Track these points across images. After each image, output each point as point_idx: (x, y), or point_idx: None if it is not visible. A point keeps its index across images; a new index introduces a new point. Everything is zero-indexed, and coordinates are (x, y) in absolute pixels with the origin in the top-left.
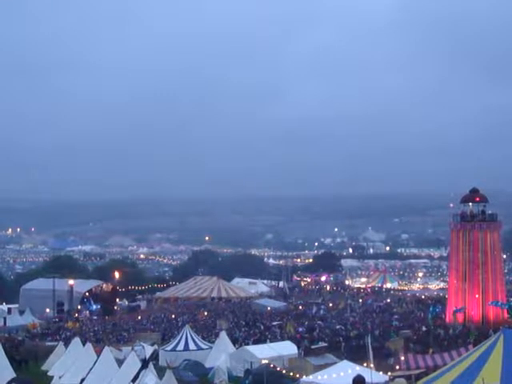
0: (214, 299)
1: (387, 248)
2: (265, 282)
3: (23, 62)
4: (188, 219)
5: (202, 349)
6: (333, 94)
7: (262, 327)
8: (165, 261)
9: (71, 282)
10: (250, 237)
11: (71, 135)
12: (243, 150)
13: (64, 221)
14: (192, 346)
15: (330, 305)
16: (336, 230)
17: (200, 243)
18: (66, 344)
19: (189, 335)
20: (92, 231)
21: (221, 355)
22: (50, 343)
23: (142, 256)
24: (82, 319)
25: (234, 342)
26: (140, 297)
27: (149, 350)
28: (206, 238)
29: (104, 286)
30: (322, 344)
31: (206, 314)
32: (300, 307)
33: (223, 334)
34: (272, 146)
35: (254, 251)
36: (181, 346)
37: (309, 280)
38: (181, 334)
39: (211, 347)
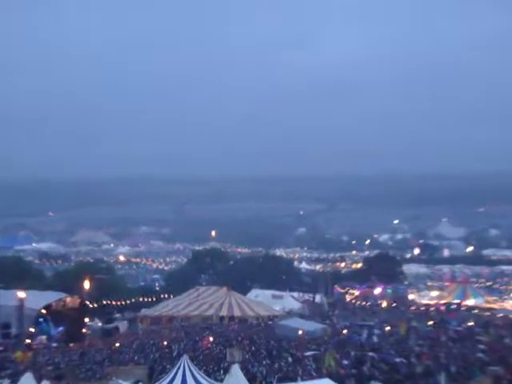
0: (223, 319)
1: (469, 249)
2: (295, 295)
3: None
4: (187, 207)
5: None
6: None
7: (291, 359)
8: (154, 265)
9: (21, 294)
10: (275, 232)
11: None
12: (265, 116)
13: (12, 209)
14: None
15: (387, 328)
16: (396, 222)
17: (204, 240)
18: (14, 382)
19: (187, 370)
20: (52, 223)
21: None
22: None
23: (121, 258)
24: (37, 347)
25: (251, 380)
26: (119, 315)
27: None
28: (212, 234)
29: (68, 300)
30: None
31: (211, 340)
32: (344, 331)
33: (236, 369)
34: (304, 109)
35: (279, 252)
36: None
37: (357, 293)
38: (176, 369)
39: None
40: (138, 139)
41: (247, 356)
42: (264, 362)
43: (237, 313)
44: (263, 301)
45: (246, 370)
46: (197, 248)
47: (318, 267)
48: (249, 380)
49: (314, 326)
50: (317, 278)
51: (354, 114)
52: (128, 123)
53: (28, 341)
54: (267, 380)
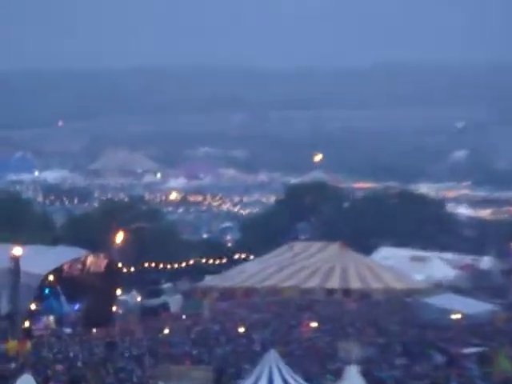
0: (333, 294)
1: None
2: (448, 256)
3: None
4: (274, 116)
5: None
6: None
7: (441, 359)
8: (225, 207)
9: (16, 251)
10: (416, 157)
11: None
12: None
13: (0, 117)
14: None
15: None
16: None
17: (302, 169)
18: None
19: (276, 373)
20: (62, 140)
21: None
22: None
23: (173, 196)
24: (41, 334)
25: None
26: (169, 286)
27: None
28: (316, 159)
29: (90, 260)
30: None
31: (314, 325)
32: None
33: (353, 373)
34: None
35: (423, 188)
36: None
37: None
38: (258, 372)
39: None
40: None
41: (372, 352)
42: (398, 363)
43: (355, 284)
44: (396, 265)
45: (368, 375)
46: (292, 181)
47: (487, 213)
48: None
49: (478, 306)
50: (484, 231)
51: None
52: None
53: (26, 324)
54: None
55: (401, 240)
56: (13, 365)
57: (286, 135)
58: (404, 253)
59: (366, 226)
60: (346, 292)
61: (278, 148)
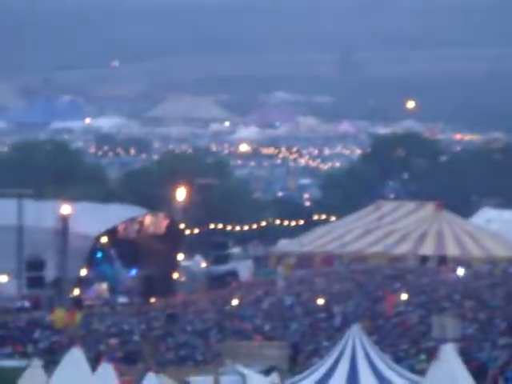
0: (426, 261)
1: None
2: None
3: None
4: (360, 57)
5: None
6: None
7: None
8: (303, 161)
9: (65, 208)
10: None
11: None
12: None
13: (46, 55)
14: (366, 377)
15: None
16: None
17: (393, 118)
18: (50, 363)
19: (360, 351)
20: (117, 82)
21: None
22: (7, 362)
23: (243, 148)
24: (92, 304)
25: (478, 371)
26: (238, 251)
27: None
28: (409, 105)
29: (148, 220)
30: None
31: (404, 298)
32: None
33: (449, 352)
34: None
35: None
36: (340, 378)
37: None
38: (340, 349)
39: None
40: None
41: (471, 330)
42: (502, 342)
43: (452, 251)
44: (501, 230)
45: (467, 355)
46: (380, 131)
47: None
48: (473, 371)
49: None
50: None
51: None
52: None
53: (76, 292)
54: (508, 374)
55: (507, 200)
56: (60, 338)
57: (374, 79)
58: (510, 215)
59: (466, 183)
60: (442, 260)
61: (363, 94)
